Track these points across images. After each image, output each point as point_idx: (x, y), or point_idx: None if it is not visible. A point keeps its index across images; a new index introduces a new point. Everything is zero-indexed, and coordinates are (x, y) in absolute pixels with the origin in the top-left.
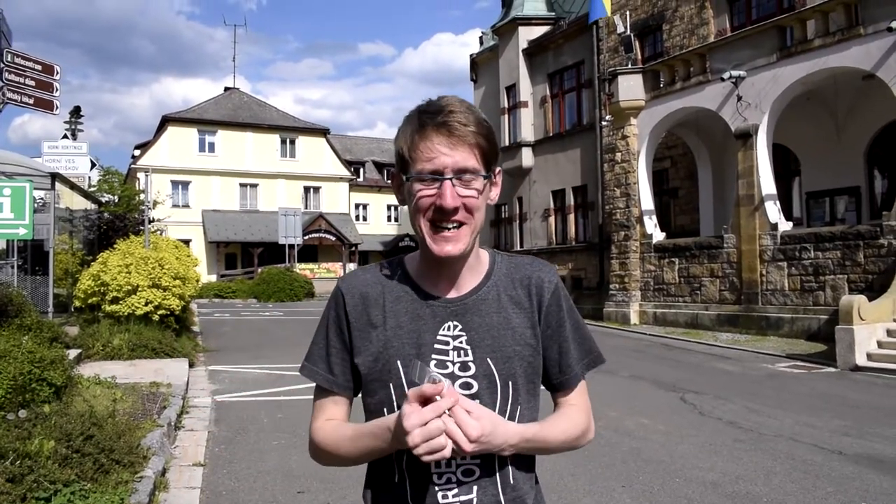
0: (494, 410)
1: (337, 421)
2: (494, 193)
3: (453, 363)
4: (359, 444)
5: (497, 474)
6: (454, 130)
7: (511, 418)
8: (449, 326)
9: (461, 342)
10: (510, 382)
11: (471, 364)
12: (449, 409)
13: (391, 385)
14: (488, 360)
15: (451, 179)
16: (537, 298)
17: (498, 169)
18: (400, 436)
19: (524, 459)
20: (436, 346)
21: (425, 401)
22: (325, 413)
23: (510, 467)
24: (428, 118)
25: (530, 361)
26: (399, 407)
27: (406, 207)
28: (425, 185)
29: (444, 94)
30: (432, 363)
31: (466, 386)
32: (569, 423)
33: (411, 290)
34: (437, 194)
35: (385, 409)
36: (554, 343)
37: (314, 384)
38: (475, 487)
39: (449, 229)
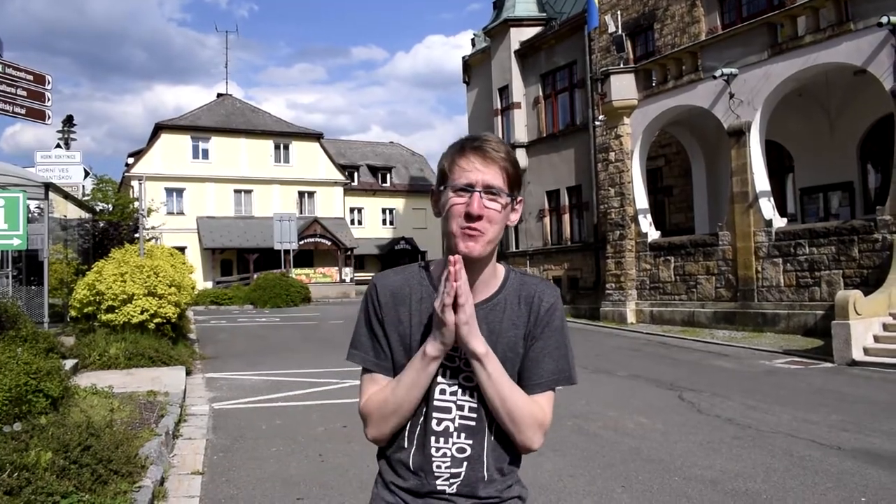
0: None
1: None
2: (514, 217)
3: (460, 358)
4: (402, 382)
5: (485, 457)
6: (487, 153)
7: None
8: None
9: None
10: None
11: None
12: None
13: None
14: None
15: (479, 192)
16: (535, 314)
17: (520, 198)
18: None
19: (505, 455)
20: None
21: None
22: (370, 389)
23: (493, 458)
24: (468, 142)
25: (514, 365)
26: None
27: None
28: (458, 196)
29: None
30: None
31: (469, 379)
32: (525, 400)
33: (434, 293)
34: (467, 203)
35: None
36: (534, 352)
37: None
38: (465, 463)
39: (473, 233)
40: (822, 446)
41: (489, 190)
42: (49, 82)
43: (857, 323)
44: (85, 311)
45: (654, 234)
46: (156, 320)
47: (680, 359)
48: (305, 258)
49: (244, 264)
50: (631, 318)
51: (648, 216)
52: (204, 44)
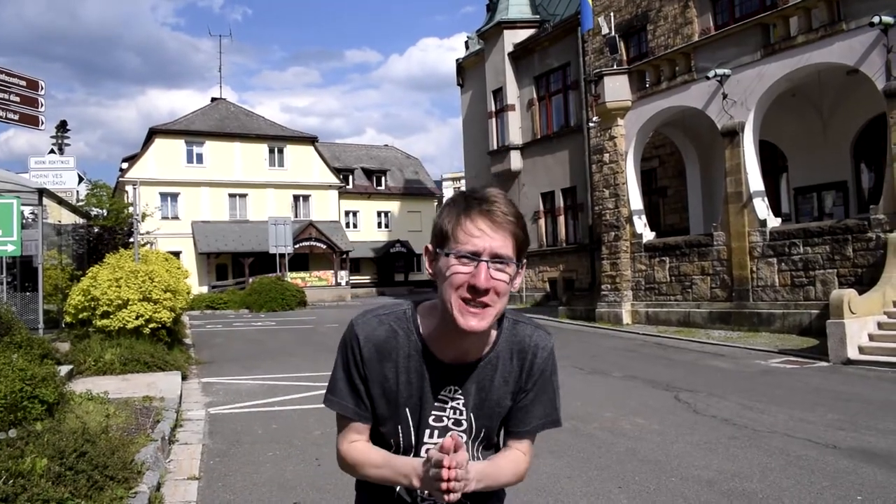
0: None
1: (363, 442)
2: (517, 283)
3: (448, 418)
4: (382, 473)
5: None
6: (496, 217)
7: (474, 457)
8: (450, 389)
9: (458, 403)
10: (483, 431)
11: (463, 421)
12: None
13: (399, 425)
14: (474, 416)
15: (487, 262)
16: (527, 371)
17: (524, 261)
18: (431, 482)
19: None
20: (436, 403)
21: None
22: (350, 436)
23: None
24: (475, 203)
25: (500, 418)
26: (405, 441)
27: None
28: (462, 263)
29: (487, 187)
30: (431, 417)
31: (458, 423)
32: (514, 466)
33: (422, 350)
34: (472, 273)
35: (392, 440)
36: (523, 402)
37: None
38: None
39: (476, 308)
40: (818, 445)
41: (497, 260)
42: (42, 88)
43: (852, 322)
44: (80, 316)
45: (648, 235)
46: (151, 325)
47: (676, 359)
48: (301, 262)
49: (239, 268)
50: (626, 318)
51: (643, 217)
52: (197, 48)
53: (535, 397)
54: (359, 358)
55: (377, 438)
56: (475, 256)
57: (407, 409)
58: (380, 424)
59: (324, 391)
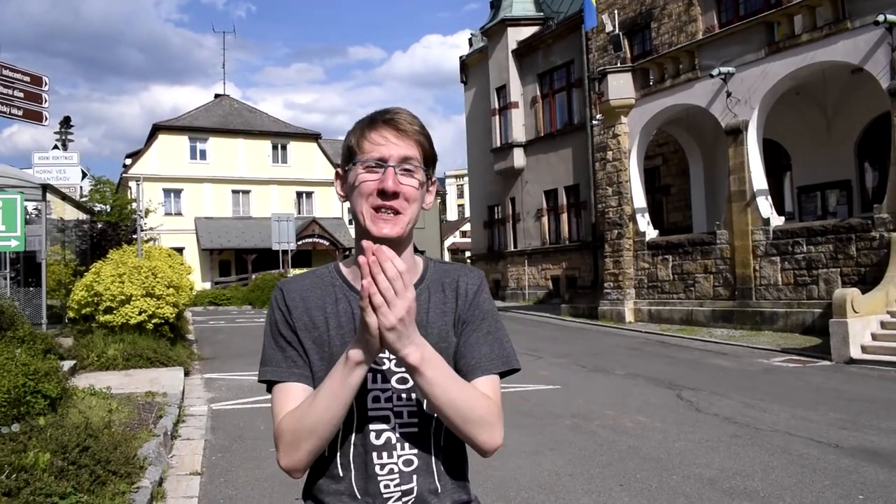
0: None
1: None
2: (429, 200)
3: (389, 359)
4: (321, 394)
5: (434, 466)
6: (401, 125)
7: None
8: None
9: None
10: None
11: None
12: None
13: None
14: None
15: (394, 167)
16: (462, 298)
17: (435, 179)
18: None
19: (454, 460)
20: None
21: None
22: (285, 404)
23: (442, 466)
24: (378, 115)
25: (449, 357)
26: None
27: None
28: (369, 172)
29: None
30: None
31: (402, 380)
32: (478, 395)
33: (349, 291)
34: (380, 179)
35: None
36: (466, 337)
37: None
38: (414, 476)
39: (387, 214)
40: (819, 444)
41: (405, 164)
42: (46, 84)
43: (855, 321)
44: (83, 312)
45: (651, 233)
46: (154, 321)
47: (678, 357)
48: (304, 258)
49: (242, 265)
50: (629, 316)
51: (646, 215)
52: (201, 44)
53: (477, 332)
54: (284, 309)
55: None
56: (382, 162)
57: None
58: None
59: None
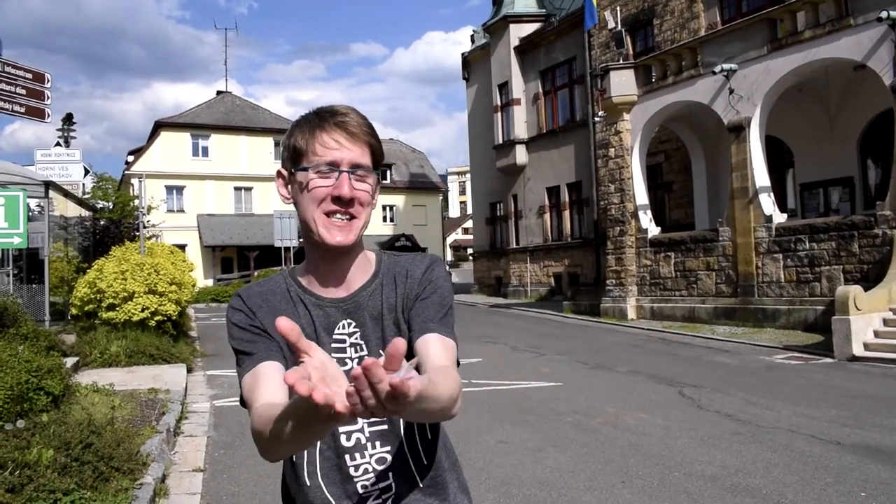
0: None
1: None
2: (375, 199)
3: (352, 359)
4: (290, 431)
5: (409, 460)
6: (351, 128)
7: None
8: (343, 325)
9: (356, 338)
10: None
11: (367, 358)
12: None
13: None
14: (381, 351)
15: (348, 172)
16: (411, 281)
17: (378, 176)
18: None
19: (428, 450)
20: (333, 345)
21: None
22: (259, 390)
23: (420, 457)
24: (328, 115)
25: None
26: None
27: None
28: (321, 177)
29: (334, 104)
30: None
31: None
32: (444, 378)
33: (305, 294)
34: (333, 185)
35: None
36: (416, 308)
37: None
38: (390, 473)
39: (341, 220)
40: (822, 441)
41: (357, 169)
42: (48, 80)
43: (858, 318)
44: (86, 308)
45: (654, 230)
46: (156, 318)
47: (680, 354)
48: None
49: (245, 262)
50: (631, 313)
51: (648, 212)
52: (203, 41)
53: (428, 299)
54: (248, 310)
55: None
56: (334, 167)
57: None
58: None
59: None
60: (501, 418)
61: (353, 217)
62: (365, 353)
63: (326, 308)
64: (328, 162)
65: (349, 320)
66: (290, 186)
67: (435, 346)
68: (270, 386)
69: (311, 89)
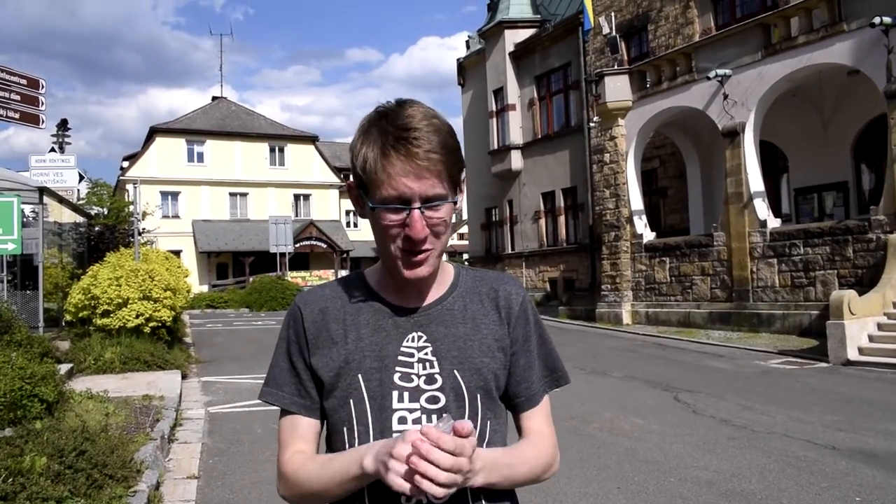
0: None
1: (307, 453)
2: (459, 200)
3: (419, 376)
4: (328, 474)
5: (468, 494)
6: (420, 160)
7: (481, 435)
8: (413, 338)
9: (426, 353)
10: (479, 396)
11: (437, 377)
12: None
13: (352, 402)
14: (455, 371)
15: (419, 209)
16: (505, 311)
17: (463, 177)
18: (384, 468)
19: (499, 494)
20: (399, 357)
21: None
22: (293, 443)
23: (479, 490)
24: (392, 142)
25: (497, 374)
26: (359, 420)
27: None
28: (392, 213)
29: (405, 101)
30: (396, 376)
31: (433, 400)
32: (536, 451)
33: (373, 301)
34: (404, 222)
35: (345, 429)
36: (519, 358)
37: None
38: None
39: (420, 254)
40: (817, 446)
41: (429, 202)
42: (43, 86)
43: (852, 323)
44: (80, 315)
45: (649, 235)
46: (151, 324)
47: (675, 359)
48: (301, 261)
49: (240, 267)
50: (627, 319)
51: (643, 217)
52: (198, 47)
53: (529, 352)
54: (301, 327)
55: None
56: (405, 204)
57: (360, 376)
58: (325, 401)
59: None
60: None
61: (428, 251)
62: (436, 370)
63: (396, 318)
64: (397, 198)
65: (420, 333)
66: (362, 208)
67: (538, 420)
68: (303, 442)
69: (306, 95)
